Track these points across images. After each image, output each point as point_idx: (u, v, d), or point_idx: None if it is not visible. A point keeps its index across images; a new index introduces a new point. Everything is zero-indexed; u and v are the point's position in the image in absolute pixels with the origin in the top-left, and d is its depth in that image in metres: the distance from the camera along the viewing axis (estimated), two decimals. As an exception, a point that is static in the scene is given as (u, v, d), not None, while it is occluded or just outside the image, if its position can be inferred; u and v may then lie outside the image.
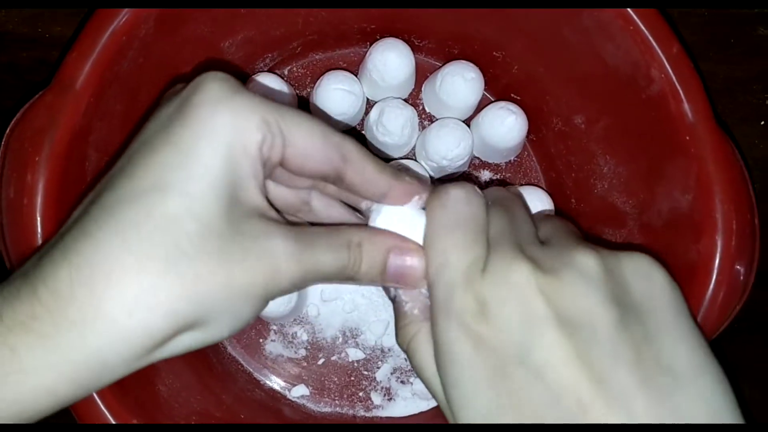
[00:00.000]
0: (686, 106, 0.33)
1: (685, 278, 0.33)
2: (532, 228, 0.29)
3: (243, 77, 0.42)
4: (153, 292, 0.23)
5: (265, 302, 0.26)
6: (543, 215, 0.31)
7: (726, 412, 0.24)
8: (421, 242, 0.29)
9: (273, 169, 0.27)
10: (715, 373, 0.25)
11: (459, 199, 0.28)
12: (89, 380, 0.24)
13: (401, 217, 0.29)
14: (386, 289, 0.31)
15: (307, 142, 0.26)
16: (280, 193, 0.30)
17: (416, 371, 0.29)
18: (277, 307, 0.40)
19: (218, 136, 0.25)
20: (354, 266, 0.28)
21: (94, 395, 0.31)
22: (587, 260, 0.26)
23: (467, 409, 0.26)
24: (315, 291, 0.43)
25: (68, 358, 0.23)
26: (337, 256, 0.27)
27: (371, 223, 0.29)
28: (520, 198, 0.31)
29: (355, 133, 0.44)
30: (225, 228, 0.24)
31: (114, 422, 0.31)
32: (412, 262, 0.28)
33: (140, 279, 0.23)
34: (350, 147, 0.27)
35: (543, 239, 0.28)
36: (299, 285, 0.26)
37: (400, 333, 0.29)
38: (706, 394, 0.24)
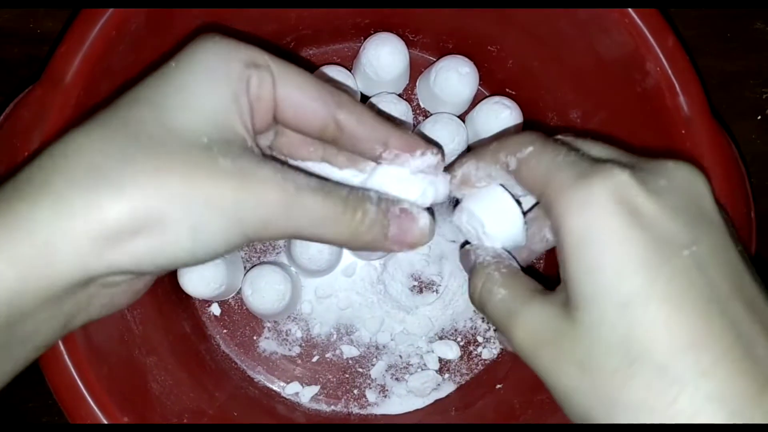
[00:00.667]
0: (682, 99, 0.33)
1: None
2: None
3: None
4: (115, 184, 0.23)
5: (240, 228, 0.24)
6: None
7: None
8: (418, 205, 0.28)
9: (266, 116, 0.27)
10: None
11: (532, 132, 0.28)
12: (39, 269, 0.23)
13: (399, 177, 0.28)
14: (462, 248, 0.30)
15: (299, 88, 0.26)
16: None
17: (493, 316, 0.27)
18: (271, 303, 0.40)
19: (205, 69, 0.25)
20: (353, 222, 0.26)
21: (85, 393, 0.31)
22: (670, 174, 0.25)
23: (602, 299, 0.23)
24: (309, 288, 0.42)
25: (28, 280, 0.22)
26: (332, 202, 0.26)
27: (365, 183, 0.29)
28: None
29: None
30: (194, 139, 0.24)
31: (105, 420, 0.31)
32: (416, 222, 0.28)
33: (100, 166, 0.23)
34: (344, 96, 0.27)
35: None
36: (284, 223, 0.25)
37: (472, 282, 0.28)
38: None
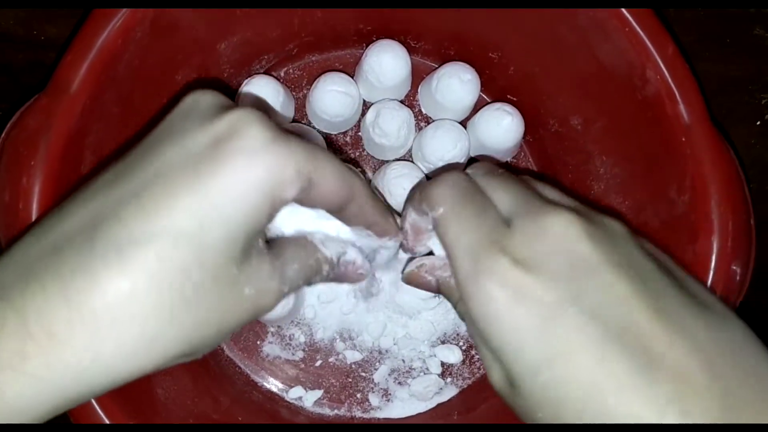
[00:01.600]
0: (682, 107, 0.33)
1: (682, 279, 0.34)
2: (535, 186, 0.30)
3: (238, 78, 0.42)
4: (153, 341, 0.24)
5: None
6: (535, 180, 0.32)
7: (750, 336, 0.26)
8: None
9: None
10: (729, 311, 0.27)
11: (455, 180, 0.29)
12: (74, 405, 0.24)
13: (317, 216, 0.30)
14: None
15: (329, 185, 0.26)
16: None
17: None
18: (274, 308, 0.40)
19: (248, 193, 0.24)
20: (316, 267, 0.29)
21: (92, 400, 0.31)
22: (615, 221, 0.29)
23: (519, 374, 0.26)
24: (312, 293, 0.43)
25: (59, 396, 0.23)
26: (301, 256, 0.28)
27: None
28: (500, 167, 0.32)
29: (351, 134, 0.44)
30: (228, 275, 0.25)
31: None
32: (355, 256, 0.30)
33: (143, 329, 0.23)
34: (359, 186, 0.28)
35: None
36: (280, 299, 0.27)
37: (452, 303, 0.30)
38: (733, 323, 0.26)
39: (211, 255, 0.24)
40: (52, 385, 0.23)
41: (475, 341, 0.29)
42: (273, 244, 0.28)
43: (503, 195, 0.29)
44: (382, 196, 0.41)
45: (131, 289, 0.23)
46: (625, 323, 0.25)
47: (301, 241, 0.29)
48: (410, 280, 0.32)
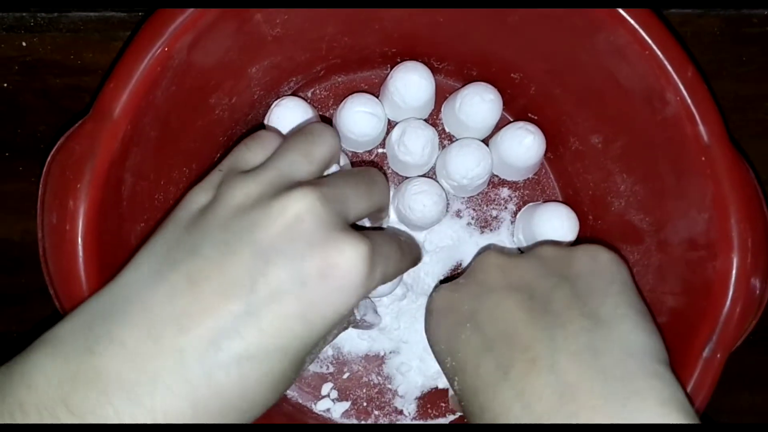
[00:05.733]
0: (701, 128, 0.34)
1: (702, 294, 0.35)
2: None
3: (267, 99, 0.44)
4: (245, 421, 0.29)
5: None
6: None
7: (641, 350, 0.29)
8: None
9: None
10: (637, 321, 0.30)
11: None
12: None
13: None
14: None
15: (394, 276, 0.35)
16: None
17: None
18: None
19: (338, 316, 0.29)
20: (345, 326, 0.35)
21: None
22: (546, 247, 0.36)
23: (446, 368, 0.34)
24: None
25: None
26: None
27: None
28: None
29: (376, 152, 0.46)
30: (302, 363, 0.30)
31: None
32: (372, 318, 0.41)
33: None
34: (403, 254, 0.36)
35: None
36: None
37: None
38: (621, 335, 0.29)
39: (300, 359, 0.29)
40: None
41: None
42: None
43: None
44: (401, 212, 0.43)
45: (243, 392, 0.27)
46: (501, 332, 0.31)
47: None
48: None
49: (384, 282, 0.32)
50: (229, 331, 0.27)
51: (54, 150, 0.35)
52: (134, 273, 0.29)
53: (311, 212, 0.29)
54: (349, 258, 0.28)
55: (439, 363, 0.35)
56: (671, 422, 0.26)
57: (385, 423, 0.44)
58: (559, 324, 0.30)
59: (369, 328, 0.41)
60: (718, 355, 0.34)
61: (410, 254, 0.37)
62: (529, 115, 0.45)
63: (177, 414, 0.25)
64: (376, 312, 0.40)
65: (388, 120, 0.45)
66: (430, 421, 0.44)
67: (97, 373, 0.25)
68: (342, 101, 0.43)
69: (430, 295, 0.37)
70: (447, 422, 0.44)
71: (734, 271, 0.34)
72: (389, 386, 0.44)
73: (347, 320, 0.34)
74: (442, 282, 0.42)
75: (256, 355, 0.27)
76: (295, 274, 0.27)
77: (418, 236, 0.44)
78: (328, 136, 0.34)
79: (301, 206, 0.29)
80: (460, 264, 0.44)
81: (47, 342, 0.27)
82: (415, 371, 0.44)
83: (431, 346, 0.36)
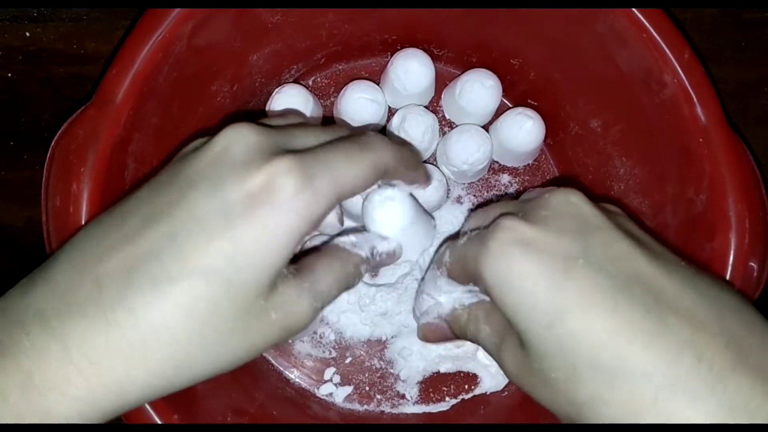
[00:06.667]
0: (699, 110, 0.34)
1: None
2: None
3: (268, 87, 0.44)
4: (181, 365, 0.26)
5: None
6: None
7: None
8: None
9: None
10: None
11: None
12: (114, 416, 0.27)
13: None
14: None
15: (360, 188, 0.29)
16: None
17: (486, 347, 0.32)
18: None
19: (278, 238, 0.27)
20: (355, 272, 0.31)
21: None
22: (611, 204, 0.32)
23: (532, 329, 0.27)
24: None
25: (99, 412, 0.26)
26: (335, 268, 0.31)
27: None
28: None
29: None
30: (255, 306, 0.27)
31: (157, 418, 0.33)
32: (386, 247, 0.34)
33: (174, 355, 0.26)
34: (385, 162, 0.31)
35: None
36: (314, 315, 0.29)
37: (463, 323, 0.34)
38: (733, 290, 0.28)
39: (241, 291, 0.26)
40: (93, 404, 0.26)
41: (485, 342, 0.32)
42: (302, 263, 0.30)
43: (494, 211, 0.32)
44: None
45: (164, 319, 0.26)
46: (632, 275, 0.26)
47: (333, 252, 0.31)
48: (427, 338, 0.36)
49: (353, 193, 0.29)
50: (146, 255, 0.26)
51: (58, 135, 0.35)
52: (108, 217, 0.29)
53: (239, 140, 0.28)
54: (269, 174, 0.26)
55: (517, 315, 0.28)
56: None
57: (388, 407, 0.44)
58: (689, 275, 0.28)
59: (390, 262, 0.35)
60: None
61: (411, 158, 0.33)
62: (529, 101, 0.45)
63: (91, 343, 0.25)
64: (386, 239, 0.34)
65: (389, 107, 0.45)
66: (431, 405, 0.44)
67: (25, 306, 0.26)
68: (343, 89, 0.44)
69: (491, 229, 0.29)
70: (448, 407, 0.44)
71: (732, 252, 0.34)
72: (391, 371, 0.44)
73: (360, 267, 0.32)
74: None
75: (175, 278, 0.26)
76: (217, 199, 0.26)
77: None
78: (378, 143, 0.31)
79: (230, 134, 0.28)
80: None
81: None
82: (417, 355, 0.44)
83: (504, 297, 0.28)
